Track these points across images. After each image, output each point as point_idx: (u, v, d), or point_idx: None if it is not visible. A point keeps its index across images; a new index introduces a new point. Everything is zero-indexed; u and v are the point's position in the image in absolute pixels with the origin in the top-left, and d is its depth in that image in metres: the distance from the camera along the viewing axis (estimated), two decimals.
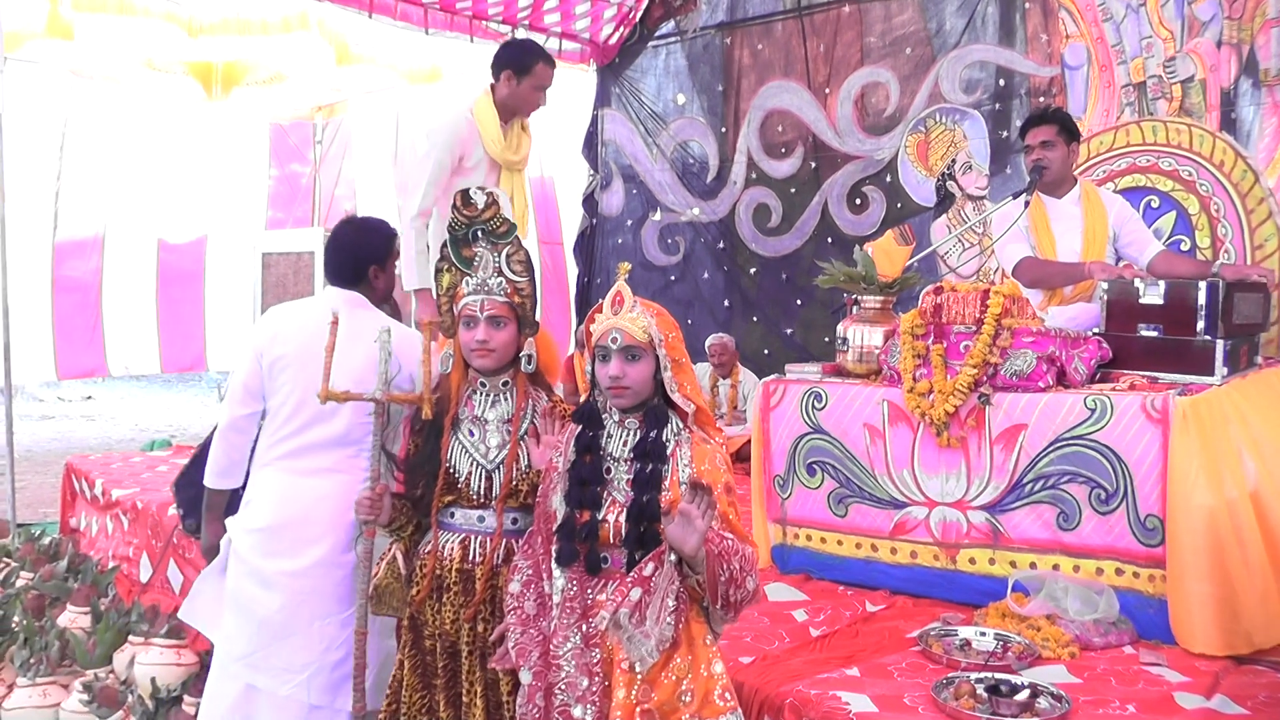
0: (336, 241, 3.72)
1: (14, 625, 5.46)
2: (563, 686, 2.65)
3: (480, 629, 3.00)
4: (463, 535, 3.03)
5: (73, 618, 5.48)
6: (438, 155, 5.38)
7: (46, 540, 6.83)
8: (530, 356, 3.04)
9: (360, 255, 3.67)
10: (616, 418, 2.73)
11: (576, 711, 2.62)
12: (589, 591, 2.67)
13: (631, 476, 2.65)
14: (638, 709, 2.49)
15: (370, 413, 3.18)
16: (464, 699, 3.01)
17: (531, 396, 3.08)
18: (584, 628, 2.65)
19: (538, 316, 3.08)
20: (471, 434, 3.03)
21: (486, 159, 5.49)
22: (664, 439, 2.67)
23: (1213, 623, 3.56)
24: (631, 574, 2.54)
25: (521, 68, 5.42)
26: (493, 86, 5.51)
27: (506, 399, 3.06)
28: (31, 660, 4.99)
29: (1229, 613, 3.56)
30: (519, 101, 5.50)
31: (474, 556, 3.01)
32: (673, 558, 2.47)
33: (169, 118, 11.06)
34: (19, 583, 6.06)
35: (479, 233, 3.02)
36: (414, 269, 5.23)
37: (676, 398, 2.67)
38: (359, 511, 3.03)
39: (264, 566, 3.41)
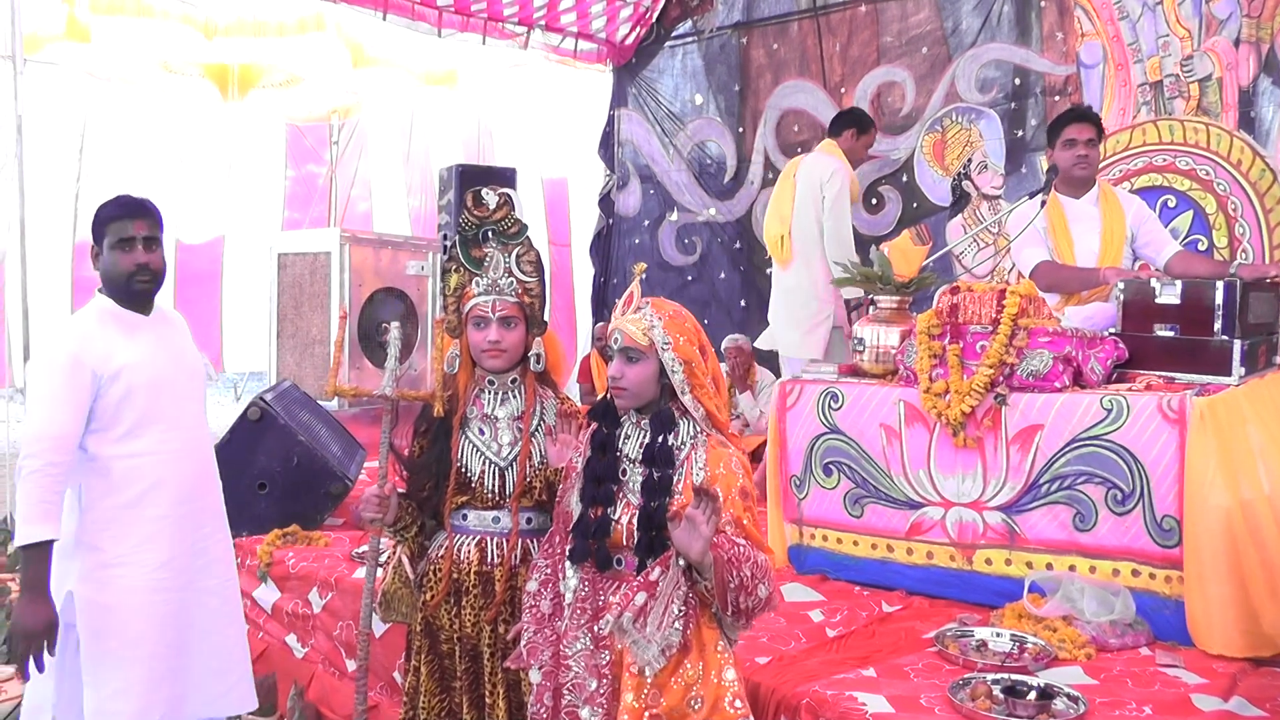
0: None
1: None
2: (571, 687, 2.65)
3: (501, 630, 2.99)
4: (478, 537, 3.03)
5: None
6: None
7: None
8: (539, 355, 3.04)
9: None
10: (633, 418, 2.71)
11: (584, 713, 2.62)
12: (601, 593, 2.66)
13: (642, 481, 2.65)
14: (646, 713, 2.49)
15: (360, 408, 3.20)
16: (487, 700, 3.02)
17: (541, 395, 3.08)
18: (595, 629, 2.65)
19: (545, 316, 3.09)
20: (482, 432, 3.03)
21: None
22: (673, 444, 2.64)
23: (1230, 624, 3.55)
24: (638, 578, 2.53)
25: (863, 128, 6.67)
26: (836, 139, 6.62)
27: (516, 396, 3.06)
28: None
29: (1247, 614, 3.54)
30: (855, 155, 6.66)
31: (492, 558, 3.01)
32: (681, 563, 2.46)
33: (186, 119, 11.11)
34: None
35: (489, 233, 3.02)
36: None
37: (686, 400, 2.63)
38: (367, 510, 2.97)
39: None
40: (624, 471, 2.68)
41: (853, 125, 6.64)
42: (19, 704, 4.82)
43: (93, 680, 3.34)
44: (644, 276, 2.77)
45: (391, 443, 3.08)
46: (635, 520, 2.60)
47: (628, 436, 2.71)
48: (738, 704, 2.54)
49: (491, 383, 3.06)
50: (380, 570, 3.14)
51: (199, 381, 3.63)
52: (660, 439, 2.64)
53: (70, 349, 3.32)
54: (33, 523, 3.17)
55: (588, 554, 2.65)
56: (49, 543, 3.20)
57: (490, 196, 3.01)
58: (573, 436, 2.91)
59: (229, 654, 3.62)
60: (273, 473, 5.44)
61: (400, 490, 3.07)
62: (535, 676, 2.73)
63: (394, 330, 3.16)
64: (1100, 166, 5.94)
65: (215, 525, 3.62)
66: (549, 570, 2.80)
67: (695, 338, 2.68)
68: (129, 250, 3.38)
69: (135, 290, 3.41)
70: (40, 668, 3.21)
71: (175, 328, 3.63)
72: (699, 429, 2.66)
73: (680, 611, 2.46)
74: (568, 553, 2.70)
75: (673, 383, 2.63)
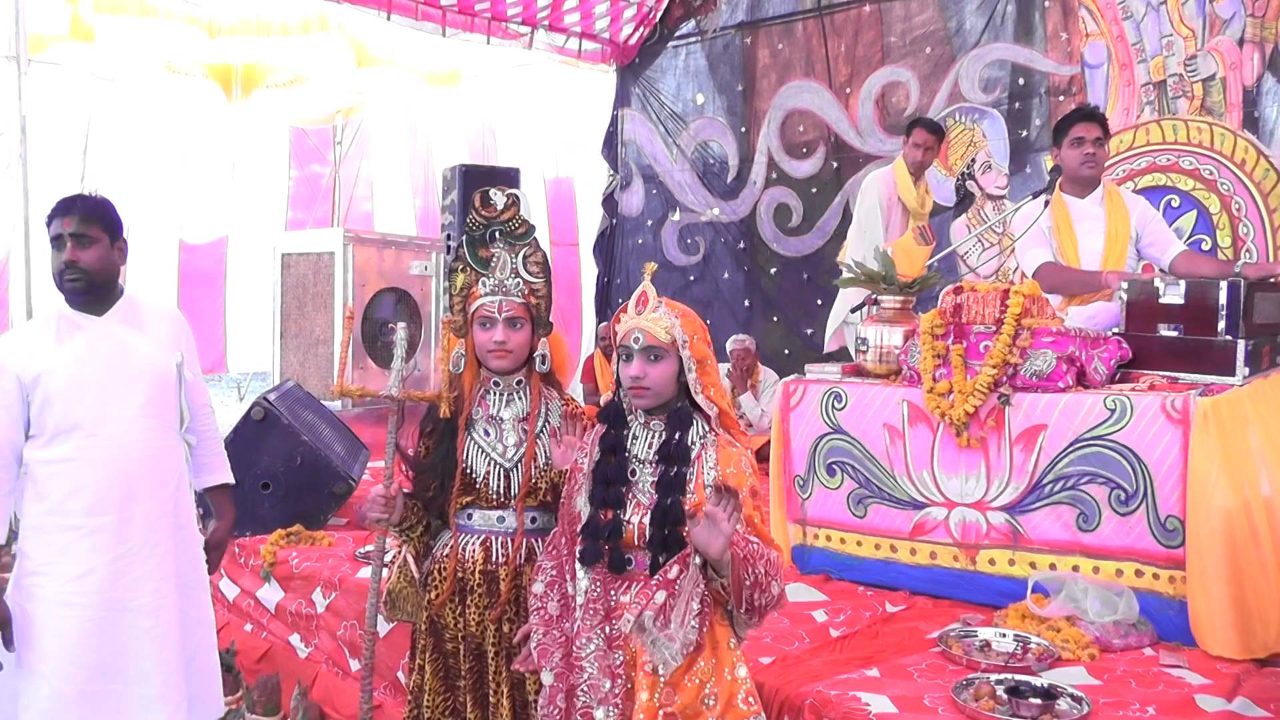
0: None
1: None
2: (585, 688, 2.64)
3: (505, 629, 3.00)
4: (483, 536, 3.03)
5: None
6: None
7: None
8: (544, 356, 3.04)
9: None
10: (642, 419, 2.71)
11: (599, 714, 2.62)
12: (613, 593, 2.66)
13: (656, 479, 2.64)
14: (660, 712, 2.49)
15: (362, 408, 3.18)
16: (491, 699, 3.02)
17: (546, 396, 3.09)
18: (607, 629, 2.64)
19: (551, 317, 3.09)
20: (487, 433, 3.04)
21: (900, 204, 6.78)
22: (688, 442, 2.65)
23: (1234, 624, 3.54)
24: (657, 577, 2.52)
25: (908, 131, 6.81)
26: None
27: (521, 397, 3.06)
28: None
29: (1250, 614, 3.54)
30: (909, 158, 6.78)
31: (496, 558, 3.02)
32: (698, 561, 2.46)
33: (190, 120, 11.11)
34: None
35: (496, 233, 3.02)
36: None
37: (701, 400, 2.65)
38: (373, 510, 2.97)
39: None
40: (633, 472, 2.69)
41: (904, 132, 6.96)
42: None
43: (12, 689, 3.28)
44: (653, 276, 2.77)
45: (397, 443, 3.08)
46: (647, 519, 2.61)
47: (635, 437, 2.71)
48: (750, 700, 2.55)
49: (497, 384, 3.06)
50: (385, 570, 3.14)
51: (145, 385, 3.39)
52: (676, 436, 2.64)
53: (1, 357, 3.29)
54: None
55: (600, 556, 2.65)
56: None
57: (498, 197, 3.02)
58: (577, 438, 2.91)
59: (165, 681, 3.35)
60: (276, 472, 5.45)
61: (406, 490, 3.07)
62: (548, 678, 2.72)
63: (400, 331, 3.16)
64: (1105, 166, 5.94)
65: (147, 539, 3.35)
66: (554, 572, 2.80)
67: (705, 337, 2.70)
68: (59, 248, 3.31)
69: (66, 288, 3.32)
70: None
71: (139, 326, 3.45)
72: (707, 429, 2.67)
73: (699, 609, 2.47)
74: (579, 555, 2.69)
75: (688, 381, 2.65)
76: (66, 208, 3.32)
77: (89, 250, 3.31)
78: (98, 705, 3.27)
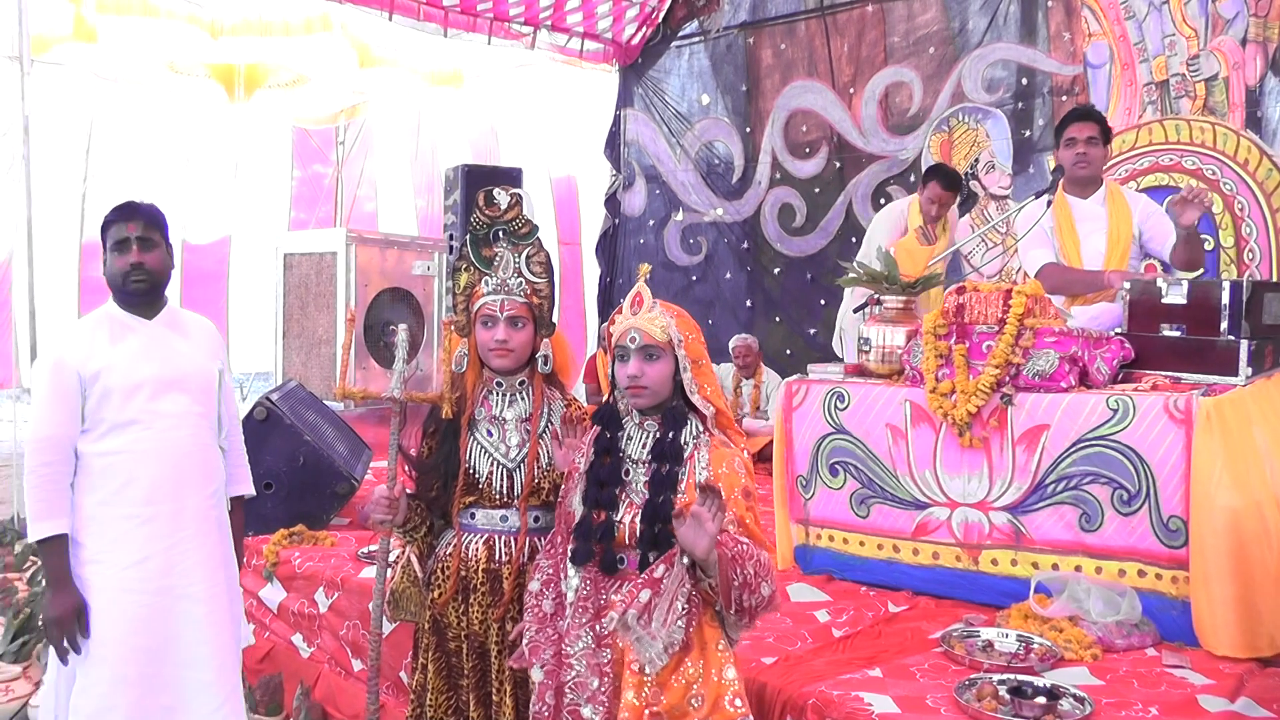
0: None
1: (39, 623, 5.49)
2: (573, 686, 2.65)
3: (509, 628, 3.00)
4: (486, 535, 3.03)
5: None
6: None
7: None
8: (546, 357, 3.03)
9: None
10: (636, 420, 2.72)
11: (586, 711, 2.62)
12: (603, 592, 2.67)
13: (649, 478, 2.65)
14: (646, 711, 2.48)
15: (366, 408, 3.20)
16: (494, 698, 3.02)
17: (548, 396, 3.09)
18: (596, 628, 2.65)
19: (555, 318, 3.09)
20: (490, 434, 3.04)
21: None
22: (682, 441, 2.66)
23: (1236, 625, 3.54)
24: (642, 575, 2.53)
25: (923, 181, 6.81)
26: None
27: (523, 398, 3.06)
28: None
29: (1253, 615, 3.54)
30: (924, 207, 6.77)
31: (500, 556, 3.02)
32: (685, 560, 2.46)
33: (192, 120, 11.13)
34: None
35: (500, 233, 3.01)
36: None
37: (696, 400, 2.66)
38: (376, 511, 2.98)
39: None
40: (626, 472, 2.69)
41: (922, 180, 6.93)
42: (25, 704, 4.84)
43: (70, 674, 3.38)
44: (649, 277, 2.77)
45: (400, 444, 3.08)
46: (638, 518, 2.61)
47: (630, 438, 2.72)
48: (738, 702, 2.54)
49: (499, 384, 3.06)
50: (389, 571, 3.15)
51: (193, 387, 3.52)
52: (671, 435, 2.65)
53: (55, 354, 3.42)
54: (38, 520, 3.30)
55: (591, 556, 2.66)
56: (59, 536, 3.30)
57: (502, 196, 3.01)
58: (579, 441, 2.92)
59: (220, 665, 3.48)
60: (279, 473, 5.45)
61: (409, 491, 3.08)
62: (538, 675, 2.73)
63: (402, 332, 3.17)
64: (1107, 166, 5.93)
65: (198, 530, 3.48)
66: (551, 570, 2.80)
67: (700, 337, 2.72)
68: (124, 251, 3.43)
69: (131, 290, 3.45)
70: (78, 650, 3.30)
71: (183, 332, 3.61)
72: (702, 429, 2.68)
73: (684, 609, 2.47)
74: (570, 554, 2.70)
75: (684, 380, 2.65)
76: (130, 213, 3.48)
77: (152, 253, 3.47)
78: (155, 688, 3.37)
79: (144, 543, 3.38)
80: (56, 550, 3.32)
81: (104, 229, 3.49)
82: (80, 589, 3.34)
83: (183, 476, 3.46)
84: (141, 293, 3.46)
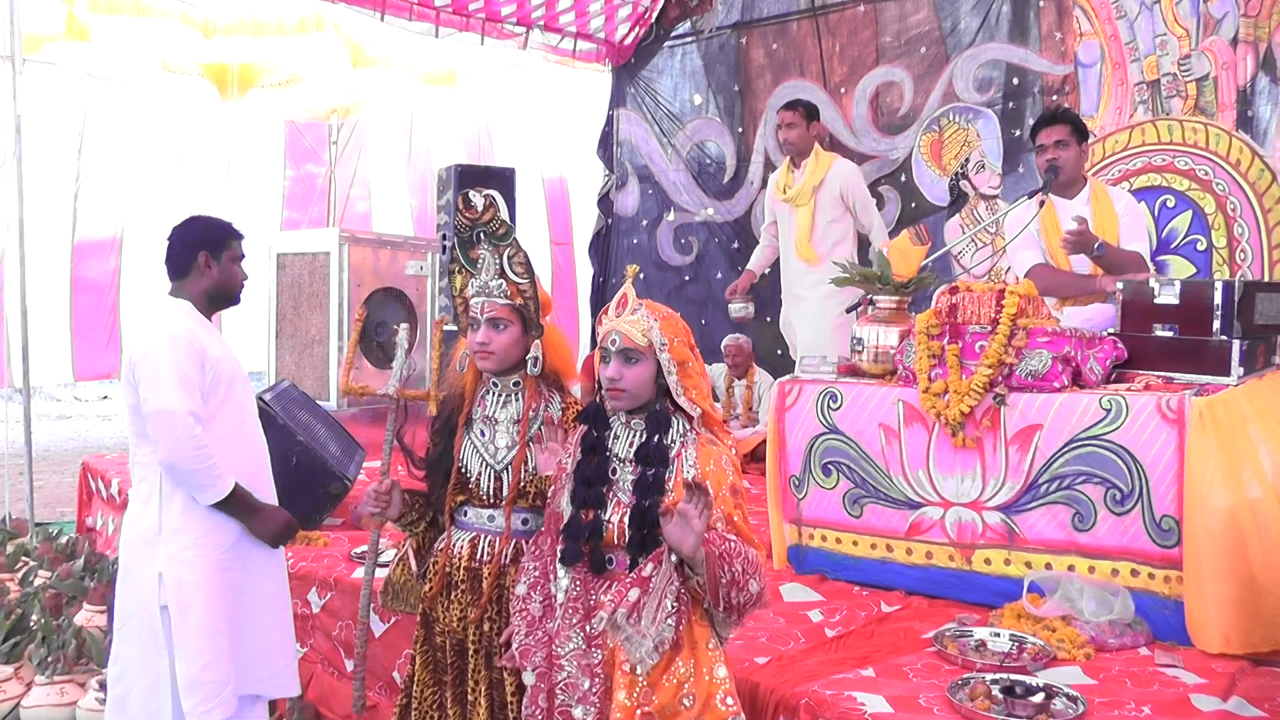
0: (172, 232, 3.89)
1: (32, 624, 5.48)
2: (564, 687, 2.66)
3: (486, 629, 3.00)
4: (473, 534, 3.05)
5: (89, 616, 5.49)
6: None
7: (64, 539, 6.85)
8: (536, 359, 3.02)
9: (188, 241, 3.82)
10: (623, 419, 2.72)
11: (577, 712, 2.63)
12: (593, 592, 2.67)
13: (635, 479, 2.65)
14: (638, 711, 2.48)
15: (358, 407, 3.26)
16: (469, 697, 3.03)
17: (543, 398, 3.07)
18: (587, 628, 2.65)
19: (545, 318, 3.08)
20: (483, 434, 3.04)
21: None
22: (666, 442, 2.66)
23: (1229, 624, 3.55)
24: (631, 574, 2.53)
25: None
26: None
27: (517, 399, 3.06)
28: (49, 659, 5.00)
29: (1246, 614, 3.55)
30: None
31: (481, 555, 3.02)
32: (673, 559, 2.46)
33: (185, 119, 11.10)
34: (37, 581, 6.09)
35: (482, 234, 3.01)
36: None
37: (682, 402, 2.65)
38: (366, 505, 3.04)
39: None
40: (614, 471, 2.70)
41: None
42: (17, 704, 4.83)
43: (184, 655, 3.53)
44: (641, 276, 2.77)
45: (401, 441, 3.11)
46: (627, 519, 2.61)
47: (617, 437, 2.72)
48: (729, 701, 2.53)
49: (496, 385, 3.06)
50: (380, 565, 3.18)
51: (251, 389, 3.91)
52: (655, 438, 2.65)
53: (183, 335, 3.62)
54: (210, 488, 3.55)
55: (580, 556, 2.67)
56: (233, 490, 3.58)
57: (476, 198, 3.00)
58: (559, 444, 2.92)
59: (281, 638, 3.81)
60: (272, 472, 5.43)
61: (413, 489, 3.11)
62: (530, 678, 2.73)
63: (402, 331, 3.21)
64: (1099, 167, 5.95)
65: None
66: (538, 573, 2.80)
67: (687, 339, 2.71)
68: (241, 263, 3.88)
69: (237, 300, 3.89)
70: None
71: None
72: (688, 428, 2.68)
73: (673, 607, 2.46)
74: (559, 555, 2.71)
75: (668, 383, 2.65)
76: (242, 234, 3.93)
77: None
78: (242, 650, 3.65)
79: (237, 528, 3.67)
80: (241, 497, 3.61)
81: (224, 239, 3.83)
82: (180, 574, 3.55)
83: (262, 466, 3.88)
84: (235, 304, 3.92)
